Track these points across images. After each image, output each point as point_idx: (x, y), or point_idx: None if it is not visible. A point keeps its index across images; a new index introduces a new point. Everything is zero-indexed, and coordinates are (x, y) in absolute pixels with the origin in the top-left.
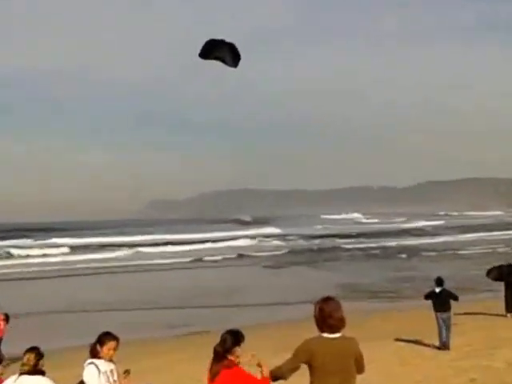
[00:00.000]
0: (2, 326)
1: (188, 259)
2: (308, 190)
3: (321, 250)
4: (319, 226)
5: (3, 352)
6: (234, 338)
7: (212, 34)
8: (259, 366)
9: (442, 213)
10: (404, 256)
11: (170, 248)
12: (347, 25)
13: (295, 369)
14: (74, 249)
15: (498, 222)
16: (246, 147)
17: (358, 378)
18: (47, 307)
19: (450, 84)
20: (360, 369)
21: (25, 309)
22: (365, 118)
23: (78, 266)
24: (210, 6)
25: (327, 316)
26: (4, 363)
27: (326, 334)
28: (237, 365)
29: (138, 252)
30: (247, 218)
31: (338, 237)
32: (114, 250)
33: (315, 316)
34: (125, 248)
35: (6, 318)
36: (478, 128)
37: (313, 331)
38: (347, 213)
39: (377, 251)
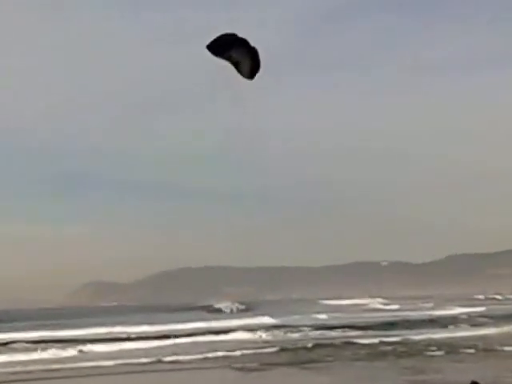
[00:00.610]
0: None
1: (144, 360)
2: (301, 266)
3: (319, 346)
4: (321, 316)
5: None
6: None
7: None
8: None
9: (481, 296)
10: (433, 354)
11: (120, 345)
12: None
13: None
14: None
15: None
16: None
17: None
18: None
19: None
20: None
21: None
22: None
23: None
24: None
25: None
26: None
27: None
28: None
29: (81, 351)
30: (221, 305)
31: (343, 328)
32: (46, 349)
33: None
34: (60, 346)
35: None
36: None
37: None
38: (354, 297)
39: (396, 346)
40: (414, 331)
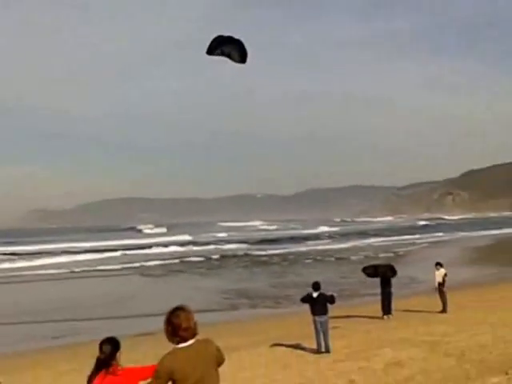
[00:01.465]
0: None
1: (78, 269)
2: (200, 198)
3: (212, 258)
4: (220, 234)
5: None
6: (113, 344)
7: None
8: None
9: (338, 219)
10: (304, 262)
11: (61, 258)
12: None
13: None
14: None
15: (390, 226)
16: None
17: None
18: None
19: None
20: (221, 361)
21: None
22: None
23: None
24: None
25: (177, 328)
26: None
27: (180, 345)
28: (119, 368)
29: (30, 263)
30: (143, 227)
31: (238, 243)
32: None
33: (165, 330)
34: (9, 258)
35: None
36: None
37: None
38: (243, 221)
39: (277, 256)
40: (289, 245)
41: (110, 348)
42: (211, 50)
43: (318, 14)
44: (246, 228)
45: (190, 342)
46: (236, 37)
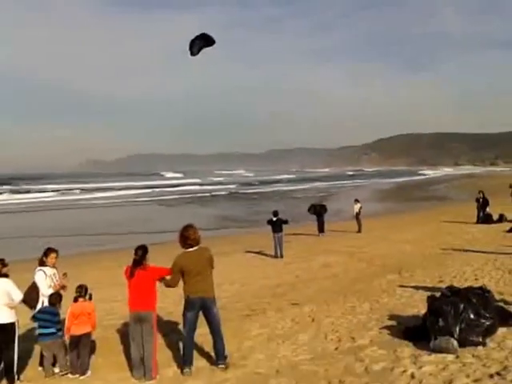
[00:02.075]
0: None
1: (118, 200)
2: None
3: (212, 194)
4: (216, 178)
5: None
6: (144, 249)
7: None
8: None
9: (294, 169)
10: (259, 198)
11: (108, 193)
12: None
13: (179, 278)
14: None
15: (327, 175)
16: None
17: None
18: (10, 233)
19: None
20: (212, 265)
21: None
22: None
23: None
24: None
25: (187, 238)
26: None
27: (187, 250)
28: (148, 265)
29: (89, 195)
30: (164, 172)
31: (227, 185)
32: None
33: (179, 239)
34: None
35: None
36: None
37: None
38: (235, 170)
39: (249, 195)
40: (262, 186)
41: (141, 252)
42: (193, 53)
43: None
44: (234, 175)
45: (195, 248)
46: None
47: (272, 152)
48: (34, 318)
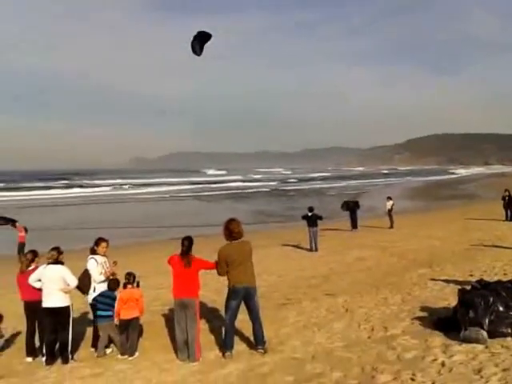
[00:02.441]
0: (23, 235)
1: (159, 195)
2: (237, 152)
3: (251, 190)
4: (256, 176)
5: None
6: (190, 240)
7: None
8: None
9: (330, 168)
10: (296, 195)
11: (152, 188)
12: None
13: (226, 268)
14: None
15: (362, 173)
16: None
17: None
18: (66, 224)
19: None
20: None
21: (50, 224)
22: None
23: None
24: None
25: (232, 231)
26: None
27: (232, 242)
28: (194, 256)
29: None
30: (207, 170)
31: (265, 182)
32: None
33: (223, 232)
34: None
35: (26, 230)
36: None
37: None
38: (273, 168)
39: (287, 192)
40: (299, 183)
41: (188, 242)
42: (196, 53)
43: None
44: (272, 172)
45: (238, 240)
46: None
47: (306, 151)
48: (95, 301)
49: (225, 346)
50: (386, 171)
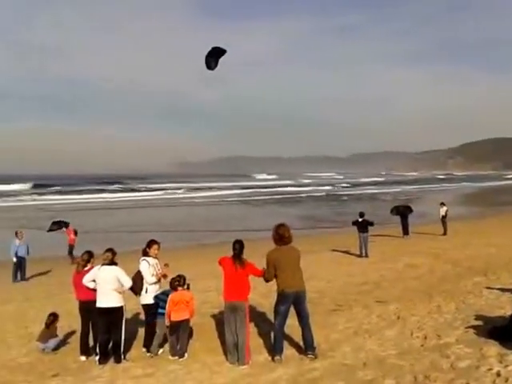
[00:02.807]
0: (73, 237)
1: (207, 200)
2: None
3: (302, 195)
4: (306, 180)
5: (75, 254)
6: (241, 244)
7: None
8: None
9: (383, 172)
10: (347, 199)
11: (198, 193)
12: None
13: (274, 272)
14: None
15: (417, 179)
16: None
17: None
18: (118, 227)
19: None
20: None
21: (104, 227)
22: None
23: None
24: None
25: (282, 236)
26: (76, 261)
27: (281, 246)
28: (246, 260)
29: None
30: (257, 174)
31: (313, 186)
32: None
33: (273, 236)
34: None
35: (75, 232)
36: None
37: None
38: (325, 172)
39: (338, 196)
40: (352, 188)
41: (239, 246)
42: (211, 68)
43: None
44: (323, 177)
45: (288, 245)
46: None
47: (355, 156)
48: (156, 299)
49: (274, 350)
50: (441, 176)
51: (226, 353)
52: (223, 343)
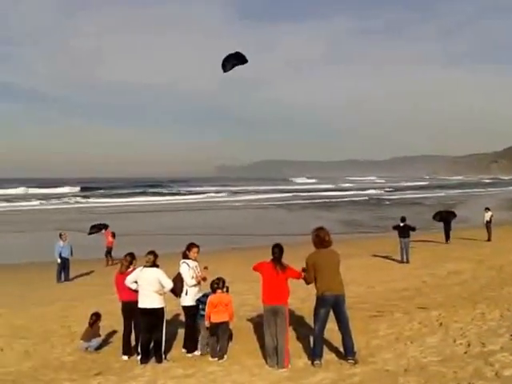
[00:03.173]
0: (111, 239)
1: (245, 203)
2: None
3: (344, 200)
4: (347, 184)
5: (112, 255)
6: (280, 248)
7: None
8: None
9: (427, 176)
10: (389, 204)
11: (240, 197)
12: None
13: (314, 275)
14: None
15: (463, 183)
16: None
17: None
18: (159, 229)
19: None
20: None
21: (144, 230)
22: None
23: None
24: None
25: (322, 240)
26: (114, 262)
27: (320, 250)
28: (285, 263)
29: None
30: (296, 178)
31: (353, 191)
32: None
33: (313, 239)
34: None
35: (113, 235)
36: None
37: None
38: (366, 176)
39: (380, 201)
40: (394, 193)
41: (278, 250)
42: (225, 69)
43: None
44: (364, 181)
45: (327, 249)
46: None
47: (395, 159)
48: (198, 301)
49: (314, 354)
50: (487, 181)
51: (265, 356)
52: (262, 346)
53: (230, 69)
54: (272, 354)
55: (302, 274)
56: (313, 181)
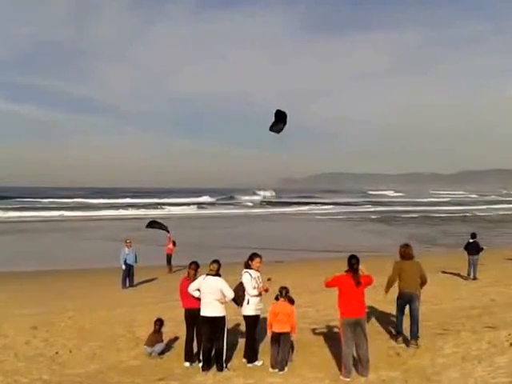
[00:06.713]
0: (172, 247)
1: (302, 217)
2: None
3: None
4: (366, 199)
5: (172, 263)
6: (357, 259)
7: None
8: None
9: (504, 191)
10: (460, 220)
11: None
12: None
13: (397, 277)
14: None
15: None
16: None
17: None
18: (222, 239)
19: None
20: (423, 278)
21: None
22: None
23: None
24: None
25: (407, 253)
26: (173, 270)
27: (405, 260)
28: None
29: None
30: (384, 192)
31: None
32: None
33: (400, 252)
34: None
35: (174, 243)
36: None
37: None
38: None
39: (444, 216)
40: (460, 208)
41: (355, 260)
42: (278, 131)
43: None
44: (451, 195)
45: (410, 261)
46: None
47: (464, 173)
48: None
49: (397, 332)
50: None
51: (326, 369)
52: (323, 359)
53: (279, 132)
54: (350, 368)
55: (372, 277)
56: (400, 194)
